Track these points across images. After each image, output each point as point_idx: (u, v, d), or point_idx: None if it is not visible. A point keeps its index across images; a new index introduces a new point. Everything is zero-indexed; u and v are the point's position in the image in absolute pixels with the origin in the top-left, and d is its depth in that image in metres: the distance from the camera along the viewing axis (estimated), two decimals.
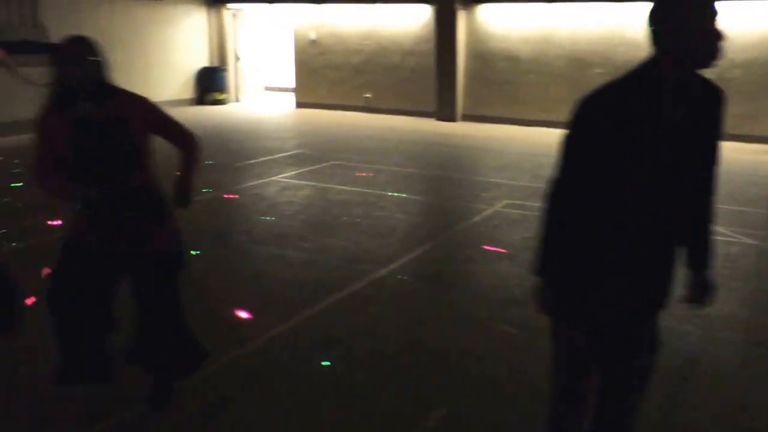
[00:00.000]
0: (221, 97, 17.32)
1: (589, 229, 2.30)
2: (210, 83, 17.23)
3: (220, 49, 17.76)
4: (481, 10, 14.52)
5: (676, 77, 2.16)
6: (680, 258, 2.41)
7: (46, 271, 4.28)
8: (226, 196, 8.00)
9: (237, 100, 17.98)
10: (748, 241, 6.43)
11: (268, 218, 7.05)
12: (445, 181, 9.15)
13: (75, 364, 3.26)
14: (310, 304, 4.80)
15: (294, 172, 9.35)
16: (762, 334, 4.49)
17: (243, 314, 4.62)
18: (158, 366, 3.40)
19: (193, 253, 5.51)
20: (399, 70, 15.59)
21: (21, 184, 8.25)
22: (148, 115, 3.12)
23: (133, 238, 3.13)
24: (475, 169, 10.34)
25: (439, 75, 14.78)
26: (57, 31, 13.47)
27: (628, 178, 2.22)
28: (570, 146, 2.27)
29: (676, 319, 4.34)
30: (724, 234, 6.43)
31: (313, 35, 16.57)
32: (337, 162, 10.06)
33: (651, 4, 2.17)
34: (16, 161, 9.62)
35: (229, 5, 17.49)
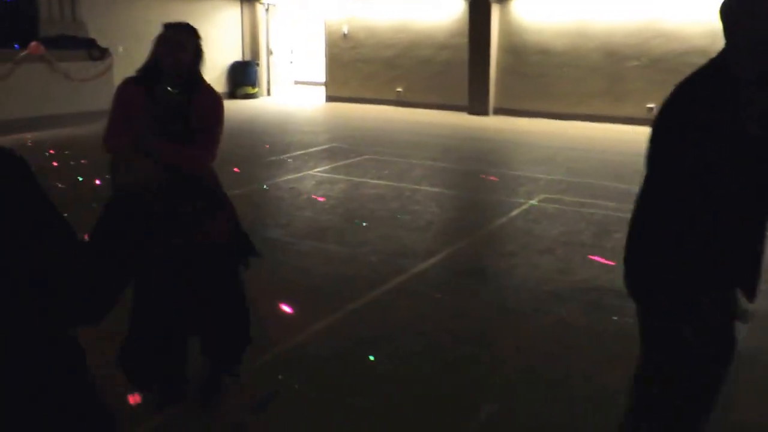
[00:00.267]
0: (253, 91, 17.43)
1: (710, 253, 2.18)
2: (242, 77, 17.35)
3: (253, 43, 17.88)
4: (515, 3, 14.41)
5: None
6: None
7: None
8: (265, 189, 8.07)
9: (268, 94, 18.09)
10: None
11: (306, 213, 7.10)
12: (480, 175, 9.12)
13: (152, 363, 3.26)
14: (354, 298, 4.82)
15: (329, 166, 9.39)
16: None
17: (286, 308, 4.66)
18: (216, 356, 3.44)
19: None
20: (431, 64, 15.55)
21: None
22: (208, 112, 3.14)
23: (186, 230, 3.11)
24: (509, 163, 10.28)
25: (472, 69, 14.71)
26: (95, 27, 13.70)
27: (738, 191, 2.13)
28: (684, 175, 2.11)
29: None
30: None
31: (345, 29, 16.60)
32: (370, 156, 10.07)
33: None
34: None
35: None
